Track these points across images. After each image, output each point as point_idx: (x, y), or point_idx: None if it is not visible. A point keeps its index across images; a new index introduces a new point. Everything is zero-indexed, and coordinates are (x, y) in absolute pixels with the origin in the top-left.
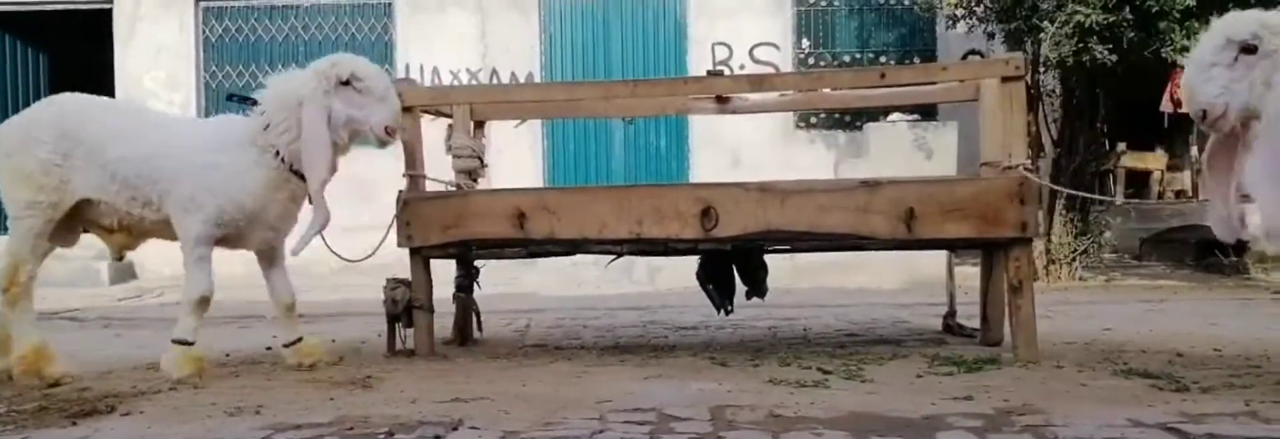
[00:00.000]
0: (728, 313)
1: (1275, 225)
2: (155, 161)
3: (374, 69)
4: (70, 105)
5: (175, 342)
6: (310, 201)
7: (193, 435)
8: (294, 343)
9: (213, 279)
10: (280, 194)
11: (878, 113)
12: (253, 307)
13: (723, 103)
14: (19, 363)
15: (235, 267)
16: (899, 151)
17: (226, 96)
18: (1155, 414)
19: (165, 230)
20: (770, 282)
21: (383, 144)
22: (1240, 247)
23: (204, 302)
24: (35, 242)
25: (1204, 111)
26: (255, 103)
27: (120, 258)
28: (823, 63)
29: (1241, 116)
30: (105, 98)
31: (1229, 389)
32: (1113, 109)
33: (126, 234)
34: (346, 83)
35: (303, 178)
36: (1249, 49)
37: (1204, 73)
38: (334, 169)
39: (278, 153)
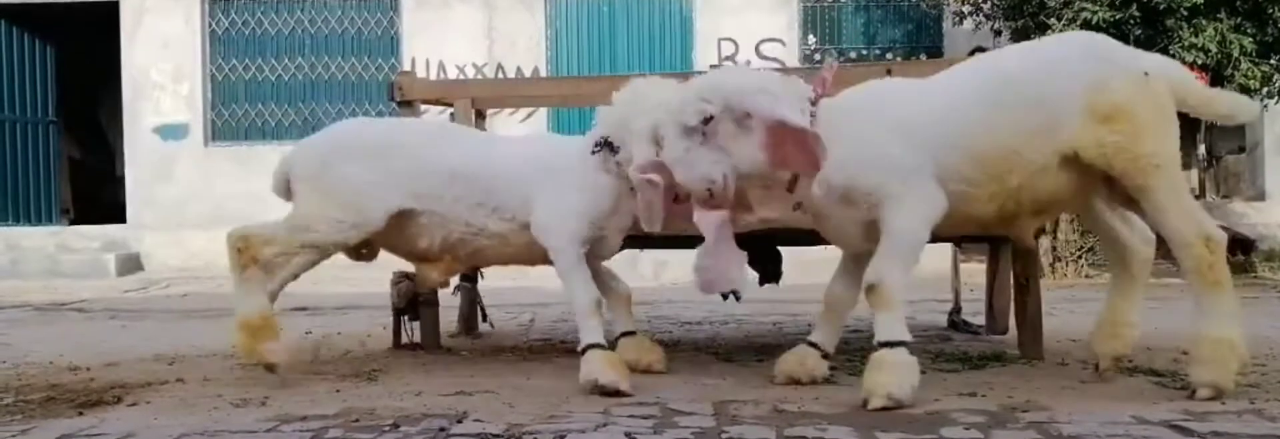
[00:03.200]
0: (738, 299)
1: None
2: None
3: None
4: None
5: (583, 349)
6: None
7: (199, 426)
8: (626, 335)
9: (593, 286)
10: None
11: None
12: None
13: None
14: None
15: None
16: None
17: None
18: (1160, 411)
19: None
20: None
21: None
22: (1249, 245)
23: (597, 306)
24: None
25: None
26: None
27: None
28: (829, 59)
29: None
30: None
31: (1234, 387)
32: None
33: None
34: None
35: None
36: (708, 121)
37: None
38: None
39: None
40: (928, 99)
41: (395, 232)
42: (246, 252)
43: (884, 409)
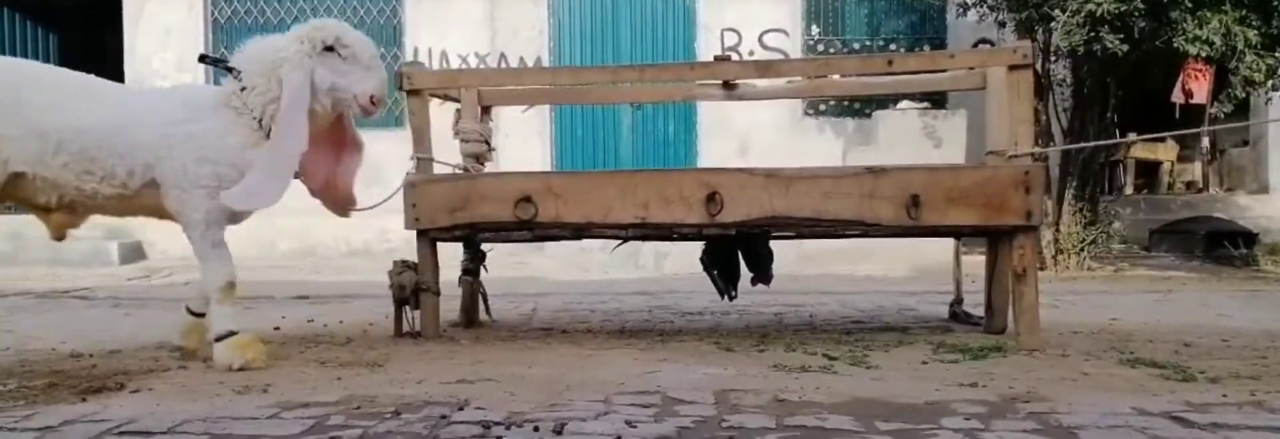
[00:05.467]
0: (731, 299)
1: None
2: (130, 132)
3: (360, 36)
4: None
5: (218, 338)
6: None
7: (201, 413)
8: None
9: (231, 262)
10: None
11: (887, 101)
12: (257, 286)
13: (730, 89)
14: None
15: (247, 248)
16: (908, 140)
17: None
18: (1160, 403)
19: (117, 206)
20: (777, 268)
21: (367, 114)
22: (1251, 238)
23: (231, 287)
24: None
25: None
26: (228, 67)
27: (61, 238)
28: (832, 50)
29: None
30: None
31: (1235, 379)
32: (1123, 99)
33: (68, 212)
34: (331, 48)
35: None
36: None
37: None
38: (306, 140)
39: (257, 118)
40: None
41: (14, 188)
42: None
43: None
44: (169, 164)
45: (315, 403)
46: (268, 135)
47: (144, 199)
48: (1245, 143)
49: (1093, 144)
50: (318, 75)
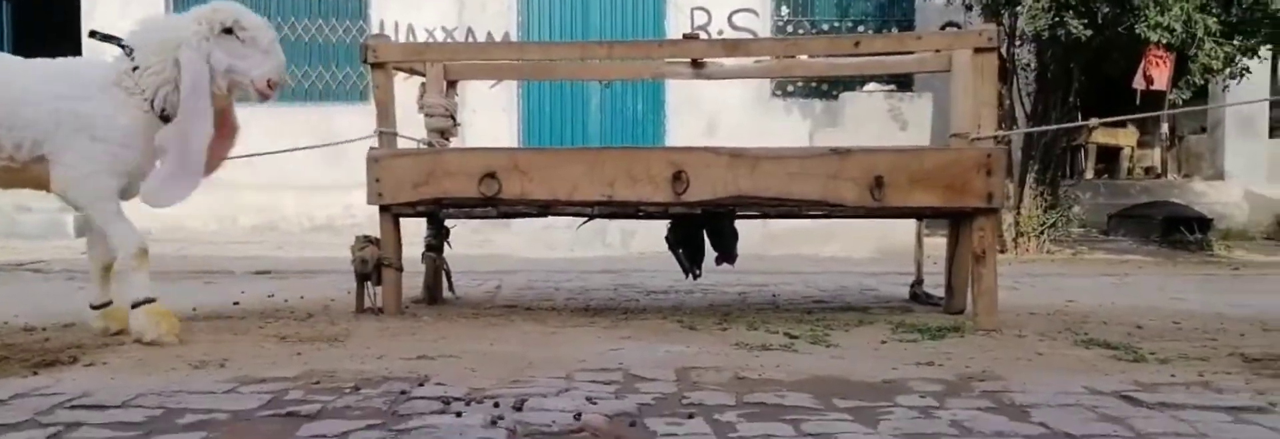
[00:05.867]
0: (696, 277)
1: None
2: (19, 108)
3: (260, 20)
4: None
5: (136, 304)
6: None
7: (156, 387)
8: (103, 306)
9: (137, 229)
10: (149, 142)
11: (854, 82)
12: (217, 262)
13: (698, 67)
14: None
15: (208, 223)
16: (874, 121)
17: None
18: (1111, 383)
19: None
20: (742, 249)
21: (263, 98)
22: (1206, 223)
23: (143, 253)
24: None
25: None
26: (122, 44)
27: None
28: (801, 30)
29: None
30: None
31: (1185, 360)
32: (1086, 84)
33: None
34: (229, 31)
35: None
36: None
37: None
38: (211, 127)
39: (148, 99)
40: None
41: None
42: None
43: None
44: (57, 142)
45: (273, 378)
46: (161, 117)
47: (31, 172)
48: (1203, 130)
49: (1055, 127)
50: (214, 57)
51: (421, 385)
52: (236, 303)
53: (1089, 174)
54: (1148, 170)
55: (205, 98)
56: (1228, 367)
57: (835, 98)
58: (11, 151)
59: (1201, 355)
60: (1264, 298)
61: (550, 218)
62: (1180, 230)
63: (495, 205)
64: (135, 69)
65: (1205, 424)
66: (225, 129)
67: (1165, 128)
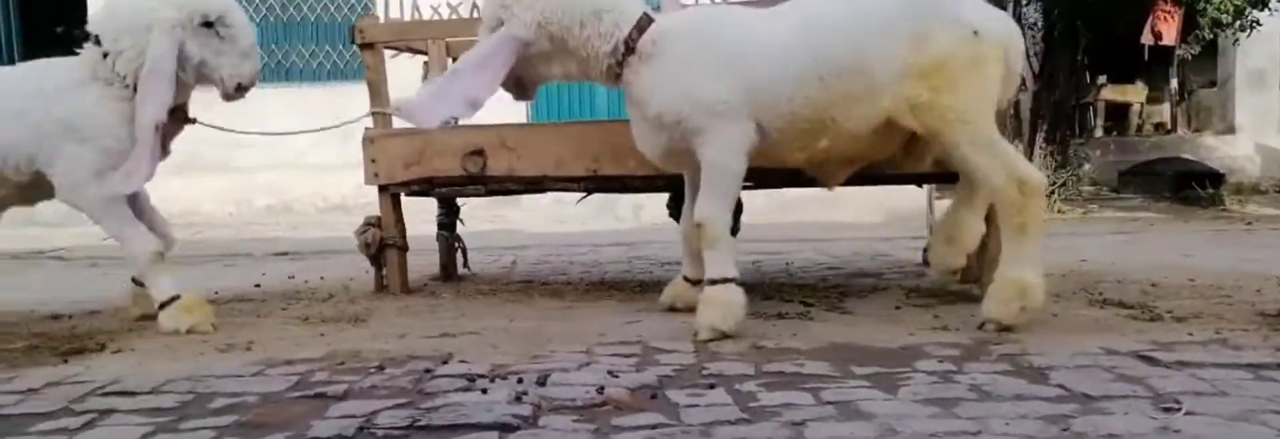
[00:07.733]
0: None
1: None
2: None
3: (246, 20)
4: None
5: (163, 305)
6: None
7: (184, 372)
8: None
9: (148, 232)
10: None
11: None
12: (236, 244)
13: None
14: None
15: (224, 205)
16: None
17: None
18: (1128, 342)
19: (19, 197)
20: (752, 216)
21: (228, 100)
22: (1217, 178)
23: (159, 257)
24: None
25: None
26: (85, 35)
27: None
28: None
29: None
30: None
31: (1200, 318)
32: (1093, 42)
33: None
34: (210, 24)
35: None
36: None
37: None
38: (165, 110)
39: (128, 85)
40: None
41: None
42: None
43: (711, 341)
44: (46, 152)
45: (299, 359)
46: None
47: (45, 186)
48: (1213, 84)
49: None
50: (188, 48)
51: (445, 363)
52: (258, 285)
53: (1098, 132)
54: (1158, 126)
55: (164, 82)
56: (1244, 323)
57: None
58: (11, 175)
59: (1217, 312)
60: (1278, 252)
61: (552, 193)
62: (1192, 186)
63: (484, 183)
64: (107, 56)
65: (1224, 382)
66: (179, 115)
67: (1174, 83)
